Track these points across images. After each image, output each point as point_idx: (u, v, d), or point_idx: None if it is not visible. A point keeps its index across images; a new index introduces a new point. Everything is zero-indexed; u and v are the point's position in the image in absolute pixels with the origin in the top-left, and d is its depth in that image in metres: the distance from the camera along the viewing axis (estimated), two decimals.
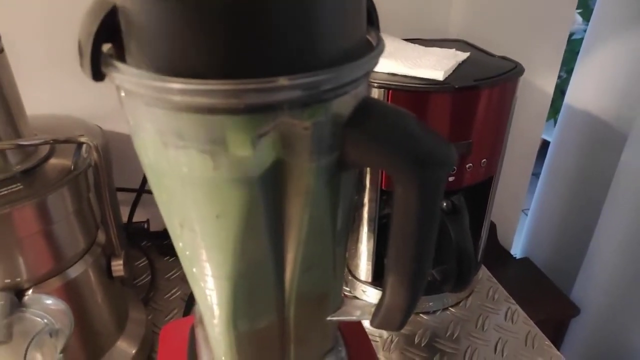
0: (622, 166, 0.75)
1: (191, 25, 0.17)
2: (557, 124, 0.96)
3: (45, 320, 0.38)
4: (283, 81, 0.17)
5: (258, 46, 0.18)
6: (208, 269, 0.24)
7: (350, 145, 0.21)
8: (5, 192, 0.37)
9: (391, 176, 0.22)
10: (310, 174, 0.21)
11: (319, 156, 0.21)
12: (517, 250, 1.06)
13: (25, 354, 0.36)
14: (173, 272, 0.65)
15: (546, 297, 0.79)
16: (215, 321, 0.27)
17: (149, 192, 0.65)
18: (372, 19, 0.24)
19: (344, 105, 0.21)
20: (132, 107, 0.20)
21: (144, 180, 0.64)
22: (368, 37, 0.23)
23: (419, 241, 0.23)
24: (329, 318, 0.29)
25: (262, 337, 0.28)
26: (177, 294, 0.62)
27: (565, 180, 0.93)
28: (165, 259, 0.68)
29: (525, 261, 0.90)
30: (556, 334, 0.83)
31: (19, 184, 0.38)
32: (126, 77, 0.18)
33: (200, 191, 0.21)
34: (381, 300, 0.27)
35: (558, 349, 0.54)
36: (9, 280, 0.39)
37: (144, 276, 0.64)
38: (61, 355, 0.34)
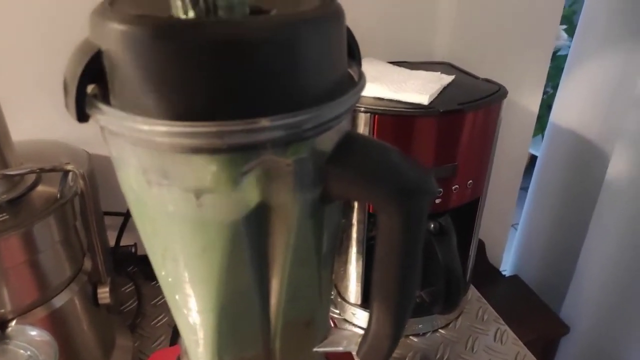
0: (607, 182, 0.76)
1: (174, 69, 0.18)
2: (543, 140, 0.97)
3: (29, 353, 0.38)
4: (265, 122, 0.18)
5: (240, 89, 0.18)
6: (192, 301, 0.24)
7: (333, 180, 0.22)
8: None
9: (375, 207, 0.22)
10: (294, 209, 0.21)
11: (302, 192, 0.21)
12: (506, 266, 1.06)
13: None
14: (160, 297, 0.65)
15: (535, 316, 0.79)
16: (200, 350, 0.27)
17: None
18: (353, 52, 0.25)
19: (327, 141, 0.21)
20: (116, 146, 0.21)
21: None
22: (350, 70, 0.24)
23: (404, 268, 0.24)
24: (315, 349, 0.29)
25: None
26: (164, 320, 0.61)
27: (553, 196, 0.94)
28: (152, 283, 0.67)
29: (514, 279, 0.90)
30: (546, 354, 0.83)
31: (4, 214, 0.38)
32: (110, 118, 0.19)
33: (185, 227, 0.21)
34: (367, 329, 0.27)
35: None
36: None
37: (130, 302, 0.63)
38: None
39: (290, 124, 0.18)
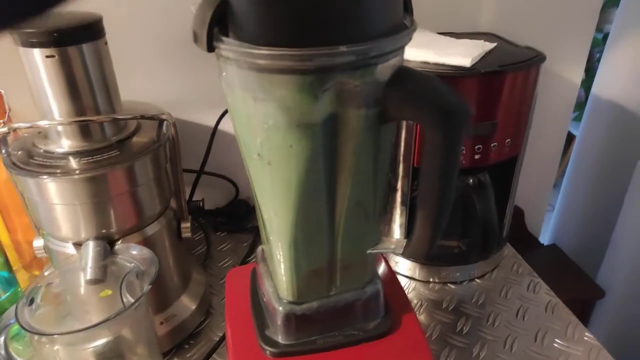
0: None
1: (274, 8, 0.25)
2: (583, 118, 0.99)
3: (132, 265, 0.47)
4: (342, 48, 0.24)
5: (323, 23, 0.25)
6: (277, 202, 0.31)
7: (389, 102, 0.28)
8: (106, 156, 0.45)
9: (422, 125, 0.28)
10: (358, 122, 0.28)
11: (365, 108, 0.28)
12: (544, 239, 1.09)
13: (120, 290, 0.45)
14: (224, 244, 0.73)
15: (573, 280, 0.82)
16: (279, 249, 0.34)
17: (206, 173, 0.73)
18: (408, 7, 0.31)
19: (386, 70, 0.27)
20: (230, 71, 0.28)
21: (203, 163, 0.72)
22: (404, 20, 0.30)
23: (443, 179, 0.30)
24: (369, 251, 0.35)
25: (316, 265, 0.35)
26: (229, 262, 0.70)
27: (590, 173, 0.97)
28: (218, 233, 0.76)
29: (552, 247, 0.94)
30: (582, 314, 0.86)
31: (115, 151, 0.46)
32: (230, 47, 0.26)
33: (278, 130, 0.28)
34: (411, 233, 0.33)
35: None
36: (104, 231, 0.47)
37: (200, 247, 0.72)
38: (149, 286, 0.42)
39: (359, 50, 0.25)
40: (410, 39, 0.28)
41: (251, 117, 0.28)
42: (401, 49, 0.28)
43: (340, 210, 0.32)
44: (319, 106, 0.27)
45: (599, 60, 0.99)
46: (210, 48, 0.26)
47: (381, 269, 0.45)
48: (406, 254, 0.34)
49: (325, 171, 0.29)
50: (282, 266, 0.34)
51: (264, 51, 0.25)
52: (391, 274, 0.44)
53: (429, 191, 0.31)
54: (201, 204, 0.76)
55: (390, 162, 0.34)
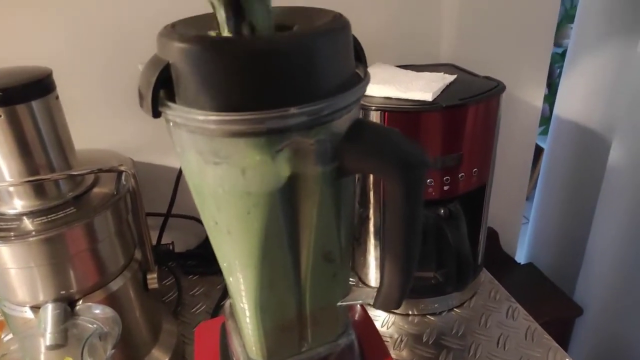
0: (609, 169, 0.80)
1: (222, 74, 0.24)
2: (549, 133, 1.01)
3: (95, 326, 0.44)
4: (294, 110, 0.24)
5: (272, 86, 0.24)
6: (237, 262, 0.30)
7: (347, 156, 0.27)
8: (62, 215, 0.43)
9: (381, 178, 0.27)
10: (316, 180, 0.27)
11: (323, 165, 0.27)
12: (521, 257, 1.10)
13: (82, 356, 0.42)
14: (197, 288, 0.71)
15: (550, 299, 0.83)
16: (245, 308, 0.33)
17: (174, 216, 0.71)
18: (360, 56, 0.30)
19: (341, 125, 0.27)
20: (179, 135, 0.27)
21: (170, 206, 0.70)
22: (357, 71, 0.30)
23: (408, 228, 0.29)
24: (339, 304, 0.34)
25: (284, 322, 0.33)
26: (202, 308, 0.67)
27: (561, 186, 0.98)
28: (189, 277, 0.73)
29: (529, 266, 0.94)
30: (562, 335, 0.86)
31: (71, 208, 0.44)
32: (176, 113, 0.25)
33: (234, 195, 0.27)
34: (380, 283, 0.32)
35: (565, 349, 0.58)
36: (63, 292, 0.45)
37: (171, 293, 0.70)
38: (113, 351, 0.40)
39: (311, 111, 0.24)
40: (364, 92, 0.27)
41: (206, 181, 0.27)
42: (355, 102, 0.27)
43: (305, 267, 0.31)
44: (275, 167, 0.26)
45: (559, 75, 1.02)
46: (156, 114, 0.25)
47: (357, 314, 0.43)
48: (377, 305, 0.33)
49: (286, 232, 0.28)
50: (250, 326, 0.33)
51: (213, 117, 0.24)
52: (367, 320, 0.43)
53: (394, 241, 0.30)
54: (171, 247, 0.74)
55: (352, 211, 0.33)
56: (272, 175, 0.26)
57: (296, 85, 0.24)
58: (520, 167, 0.86)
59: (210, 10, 0.26)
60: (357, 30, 0.29)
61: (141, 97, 0.26)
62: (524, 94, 0.79)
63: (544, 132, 1.35)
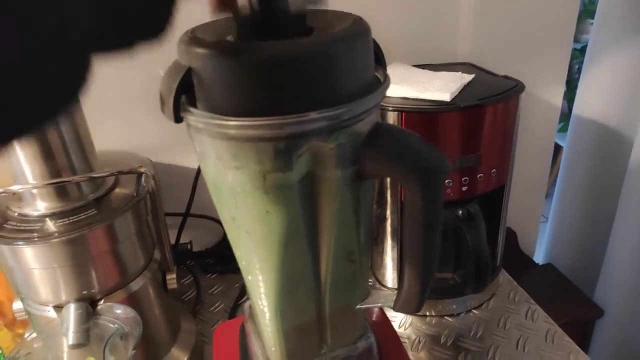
0: (630, 169, 0.79)
1: (243, 79, 0.24)
2: (568, 132, 1.00)
3: (116, 325, 0.45)
4: (313, 115, 0.24)
5: (293, 91, 0.24)
6: (257, 263, 0.30)
7: (366, 161, 0.27)
8: (84, 216, 0.44)
9: (400, 183, 0.27)
10: (336, 183, 0.27)
11: (342, 170, 0.27)
12: (539, 258, 1.09)
13: (103, 355, 0.43)
14: (215, 287, 0.72)
15: (570, 301, 0.81)
16: (265, 309, 0.33)
17: (193, 215, 0.72)
18: (380, 59, 0.30)
19: (360, 129, 0.27)
20: (200, 140, 0.27)
21: (189, 206, 0.71)
22: (377, 74, 0.29)
23: (427, 234, 0.29)
24: (358, 306, 0.34)
25: (304, 324, 0.33)
26: (221, 306, 0.68)
27: (580, 185, 0.97)
28: (208, 275, 0.74)
29: (548, 267, 0.93)
30: (583, 336, 0.85)
31: (92, 210, 0.45)
32: (198, 118, 0.25)
33: (253, 197, 0.27)
34: (400, 288, 0.32)
35: (586, 351, 0.57)
36: (85, 292, 0.46)
37: (189, 292, 0.71)
38: (134, 352, 0.40)
39: (331, 115, 0.24)
40: (384, 96, 0.27)
41: (225, 182, 0.27)
42: (375, 107, 0.27)
43: (325, 268, 0.31)
44: (294, 171, 0.26)
45: (578, 71, 1.01)
46: (178, 119, 0.25)
47: (375, 315, 0.43)
48: (397, 308, 0.33)
49: (306, 232, 0.28)
50: (269, 328, 0.33)
51: (234, 122, 0.24)
52: (385, 322, 0.43)
53: (414, 247, 0.30)
54: (189, 246, 0.75)
55: (371, 211, 0.33)
56: (292, 178, 0.26)
57: (316, 90, 0.24)
58: (539, 168, 0.84)
59: None
60: (374, 29, 0.28)
61: (163, 102, 0.26)
62: (543, 93, 0.78)
63: (563, 130, 1.33)
